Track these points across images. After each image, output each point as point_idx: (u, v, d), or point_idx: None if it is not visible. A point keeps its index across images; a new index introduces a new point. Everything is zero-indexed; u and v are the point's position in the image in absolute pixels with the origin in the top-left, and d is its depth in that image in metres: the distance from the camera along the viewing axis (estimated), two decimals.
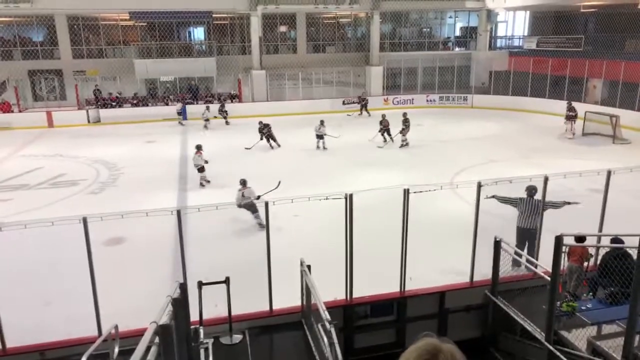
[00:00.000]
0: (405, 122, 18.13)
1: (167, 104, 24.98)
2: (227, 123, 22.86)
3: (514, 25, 31.25)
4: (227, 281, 5.97)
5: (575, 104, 20.24)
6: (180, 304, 4.54)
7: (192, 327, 5.57)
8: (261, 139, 18.13)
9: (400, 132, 18.02)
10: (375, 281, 7.35)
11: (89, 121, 23.14)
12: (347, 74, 27.78)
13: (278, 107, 25.04)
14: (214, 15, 26.29)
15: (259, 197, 9.93)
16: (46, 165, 16.14)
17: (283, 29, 28.81)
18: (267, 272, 6.64)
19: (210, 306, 6.23)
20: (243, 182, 10.50)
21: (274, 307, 6.78)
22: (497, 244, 6.95)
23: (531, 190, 8.24)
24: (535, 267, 6.70)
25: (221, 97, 25.44)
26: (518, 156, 16.51)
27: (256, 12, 25.38)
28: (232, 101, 25.56)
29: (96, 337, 4.89)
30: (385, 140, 18.35)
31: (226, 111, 23.11)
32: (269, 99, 26.29)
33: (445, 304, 7.26)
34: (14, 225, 5.92)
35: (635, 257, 5.34)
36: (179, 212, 6.34)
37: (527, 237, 8.12)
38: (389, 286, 7.20)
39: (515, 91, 26.24)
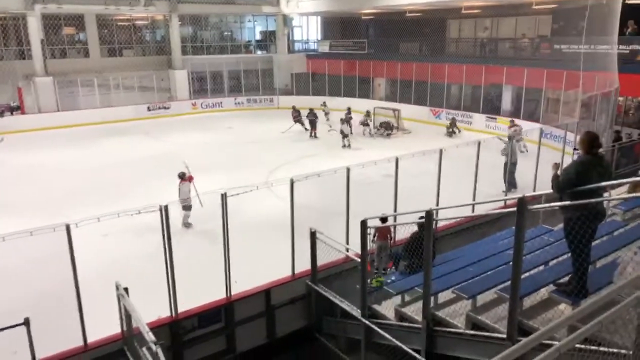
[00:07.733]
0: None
1: None
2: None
3: (309, 30, 33.48)
4: (26, 322, 5.18)
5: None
6: None
7: None
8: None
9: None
10: (203, 291, 7.17)
11: None
12: (150, 78, 26.36)
13: (72, 117, 22.63)
14: None
15: None
16: None
17: (70, 30, 25.98)
18: (77, 303, 5.95)
19: (8, 356, 5.34)
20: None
21: (89, 340, 6.12)
22: (313, 235, 7.40)
23: None
24: (347, 250, 7.34)
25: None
26: (325, 151, 17.82)
27: (34, 12, 22.31)
28: (12, 113, 22.10)
29: None
30: None
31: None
32: (60, 108, 23.43)
33: (272, 301, 7.46)
34: None
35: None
36: None
37: None
38: (217, 294, 7.10)
39: (315, 91, 28.24)
